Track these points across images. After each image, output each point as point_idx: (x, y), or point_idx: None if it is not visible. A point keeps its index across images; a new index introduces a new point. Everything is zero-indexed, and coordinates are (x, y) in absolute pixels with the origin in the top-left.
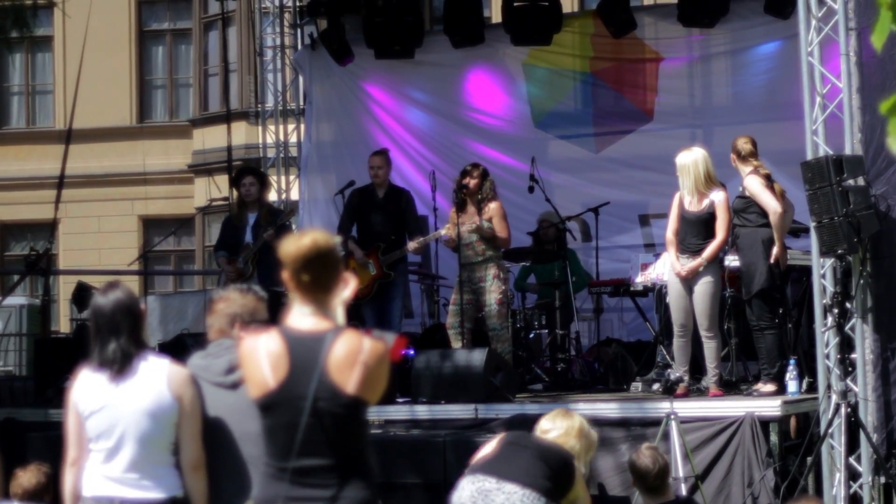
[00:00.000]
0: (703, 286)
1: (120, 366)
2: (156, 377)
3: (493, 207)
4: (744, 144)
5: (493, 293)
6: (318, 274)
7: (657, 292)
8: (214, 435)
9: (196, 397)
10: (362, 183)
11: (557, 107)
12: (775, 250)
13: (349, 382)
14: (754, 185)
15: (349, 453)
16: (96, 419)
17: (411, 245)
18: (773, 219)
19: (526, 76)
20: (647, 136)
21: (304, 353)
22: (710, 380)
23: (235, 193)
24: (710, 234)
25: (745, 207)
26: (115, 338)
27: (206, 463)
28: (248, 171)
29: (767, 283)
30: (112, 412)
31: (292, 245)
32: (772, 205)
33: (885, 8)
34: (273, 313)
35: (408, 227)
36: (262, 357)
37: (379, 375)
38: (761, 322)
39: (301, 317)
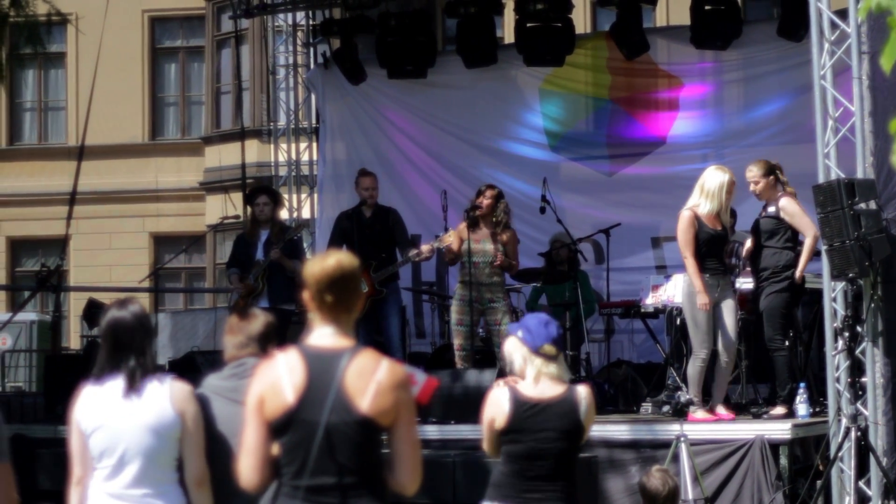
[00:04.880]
0: (733, 305)
1: (133, 382)
2: (158, 393)
3: (510, 236)
4: (776, 166)
5: (503, 311)
6: (341, 295)
7: (668, 314)
8: (218, 450)
9: (198, 413)
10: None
11: (573, 131)
12: (798, 271)
13: (362, 400)
14: (794, 208)
15: (362, 472)
16: (99, 436)
17: (425, 248)
18: (810, 241)
19: (542, 101)
20: (660, 158)
21: (321, 369)
22: (718, 401)
23: (248, 211)
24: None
25: (775, 229)
26: (134, 354)
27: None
28: (261, 190)
29: (778, 304)
30: (114, 429)
31: (317, 266)
32: (812, 228)
33: None
34: (282, 331)
35: (399, 244)
36: (283, 374)
37: (395, 399)
38: (771, 344)
39: (321, 337)
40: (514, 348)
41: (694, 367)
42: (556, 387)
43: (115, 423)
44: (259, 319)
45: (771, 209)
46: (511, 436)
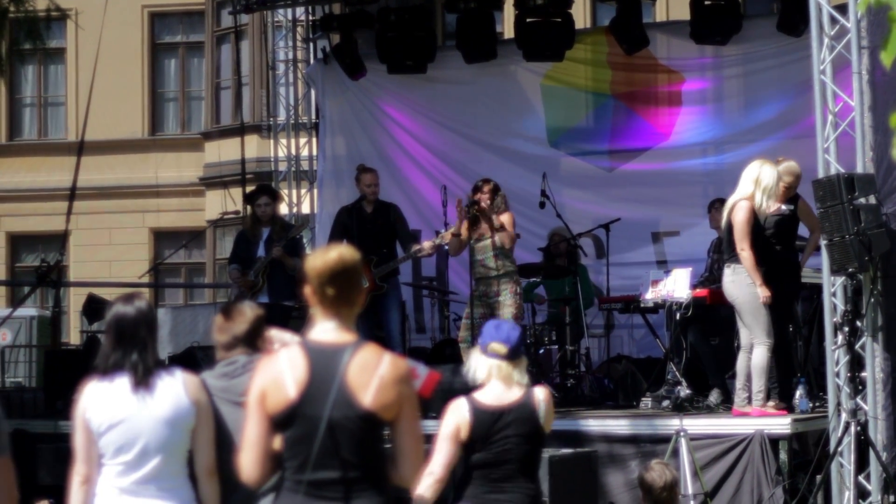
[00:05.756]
0: None
1: (142, 377)
2: (172, 385)
3: (505, 215)
4: None
5: (508, 307)
6: (342, 288)
7: (668, 309)
8: (221, 447)
9: (209, 403)
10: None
11: (574, 127)
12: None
13: (365, 395)
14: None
15: (365, 467)
16: (114, 433)
17: (427, 244)
18: (817, 237)
19: (543, 96)
20: (660, 154)
21: (324, 364)
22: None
23: (249, 208)
24: None
25: (791, 225)
26: (137, 349)
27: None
28: (261, 191)
29: (791, 300)
30: (132, 424)
31: (318, 260)
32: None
33: None
34: (282, 327)
35: (401, 238)
36: (285, 369)
37: (398, 394)
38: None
39: (323, 332)
40: (473, 355)
41: (764, 357)
42: (513, 391)
43: (133, 418)
44: (244, 317)
45: (785, 207)
46: (476, 445)
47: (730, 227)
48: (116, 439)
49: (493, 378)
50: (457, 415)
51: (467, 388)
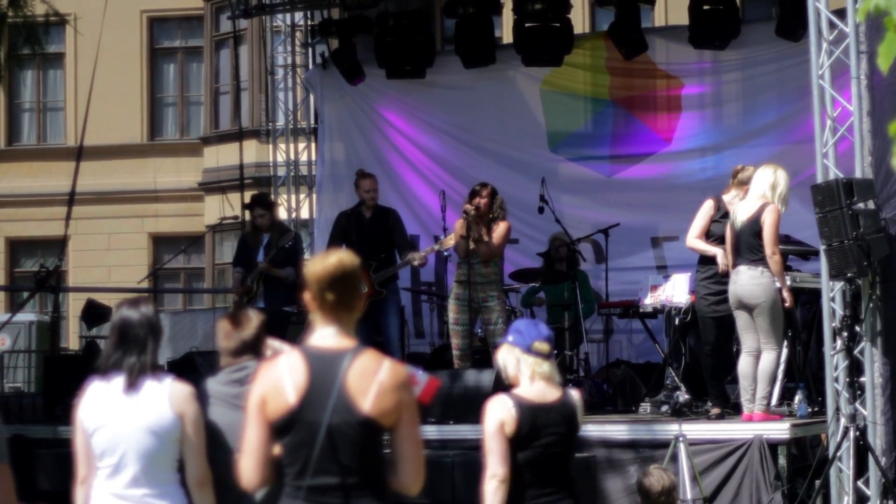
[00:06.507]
0: None
1: (131, 379)
2: (158, 394)
3: (501, 226)
4: None
5: (497, 311)
6: (342, 293)
7: (667, 314)
8: (222, 455)
9: (198, 414)
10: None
11: (574, 132)
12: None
13: (364, 401)
14: None
15: (364, 473)
16: (100, 436)
17: (418, 254)
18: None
19: (543, 101)
20: (658, 159)
21: (323, 369)
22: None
23: (249, 215)
24: None
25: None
26: (136, 351)
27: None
28: (256, 203)
29: None
30: (115, 429)
31: (318, 265)
32: None
33: (893, 30)
34: (279, 332)
35: (398, 245)
36: (285, 375)
37: (397, 400)
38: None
39: (323, 337)
40: (505, 353)
41: (774, 363)
42: (553, 390)
43: (116, 423)
44: (252, 323)
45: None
46: (521, 441)
47: (754, 229)
48: (101, 442)
49: (537, 377)
50: (501, 410)
51: (466, 394)
